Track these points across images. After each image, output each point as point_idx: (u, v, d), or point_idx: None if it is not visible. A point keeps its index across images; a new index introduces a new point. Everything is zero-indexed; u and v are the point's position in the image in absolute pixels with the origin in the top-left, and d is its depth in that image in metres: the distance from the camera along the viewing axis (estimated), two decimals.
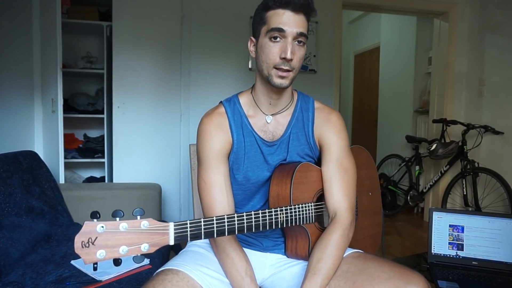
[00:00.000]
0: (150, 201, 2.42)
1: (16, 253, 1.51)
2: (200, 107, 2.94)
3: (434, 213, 1.69)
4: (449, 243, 1.67)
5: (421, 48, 4.14)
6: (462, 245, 1.66)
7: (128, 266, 1.44)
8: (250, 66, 3.09)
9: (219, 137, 1.07)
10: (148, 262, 1.52)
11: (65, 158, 2.60)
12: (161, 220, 1.20)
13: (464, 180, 3.10)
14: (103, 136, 3.12)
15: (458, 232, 1.67)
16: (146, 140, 2.89)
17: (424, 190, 3.49)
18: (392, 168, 4.14)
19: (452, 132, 3.38)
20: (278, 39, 0.97)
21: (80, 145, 3.13)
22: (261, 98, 1.10)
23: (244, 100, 1.14)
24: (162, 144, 2.93)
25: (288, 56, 0.95)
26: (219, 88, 3.04)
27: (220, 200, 1.03)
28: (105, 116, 2.99)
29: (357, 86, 5.76)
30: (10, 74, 2.26)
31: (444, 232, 1.68)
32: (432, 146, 3.14)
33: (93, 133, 3.27)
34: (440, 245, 1.68)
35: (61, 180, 2.40)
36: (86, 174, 3.30)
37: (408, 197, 3.62)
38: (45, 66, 2.57)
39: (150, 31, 2.82)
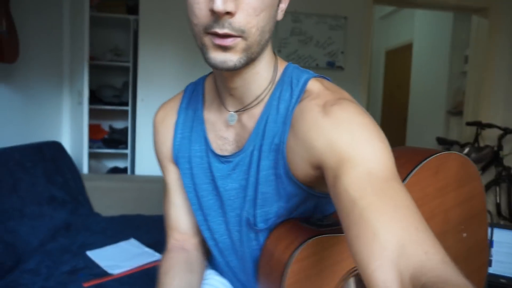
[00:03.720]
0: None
1: (35, 241, 1.56)
2: None
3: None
4: None
5: (457, 46, 3.92)
6: (491, 260, 1.55)
7: (141, 261, 1.45)
8: None
9: (160, 136, 0.76)
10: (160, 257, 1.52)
11: (90, 148, 2.67)
12: None
13: (498, 187, 2.92)
14: (127, 128, 3.18)
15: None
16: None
17: None
18: None
19: (488, 136, 3.19)
20: None
21: (106, 136, 3.20)
22: (219, 85, 0.68)
23: (211, 86, 0.73)
24: None
25: (219, 6, 0.49)
26: None
27: (175, 212, 0.79)
28: (129, 108, 3.03)
29: (388, 83, 5.57)
30: (41, 66, 2.33)
31: None
32: (464, 150, 2.97)
33: (119, 125, 3.34)
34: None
35: (85, 170, 2.46)
36: (111, 164, 3.37)
37: None
38: (74, 59, 2.63)
39: (177, 25, 2.82)
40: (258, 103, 0.65)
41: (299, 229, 0.63)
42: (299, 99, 0.61)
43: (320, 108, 0.57)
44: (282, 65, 0.67)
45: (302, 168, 0.59)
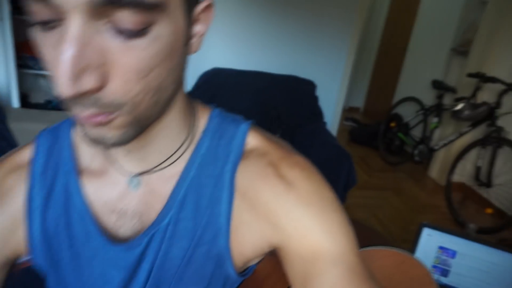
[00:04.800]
0: None
1: None
2: None
3: (424, 229, 1.38)
4: (433, 266, 1.40)
5: None
6: (448, 271, 1.39)
7: None
8: None
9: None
10: None
11: (26, 68, 2.27)
12: None
13: (483, 149, 2.68)
14: None
15: (447, 256, 1.38)
16: None
17: (436, 148, 3.10)
18: (409, 112, 3.67)
19: (488, 89, 2.82)
20: (52, 24, 0.31)
21: None
22: None
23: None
24: None
25: (65, 90, 0.30)
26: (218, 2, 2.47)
27: None
28: None
29: (395, 3, 4.84)
30: None
31: (431, 253, 1.39)
32: (458, 105, 2.64)
33: None
34: None
35: (15, 103, 2.11)
36: None
37: (416, 151, 3.26)
38: None
39: None
40: (175, 160, 0.47)
41: None
42: (240, 157, 0.47)
43: (275, 171, 0.45)
44: (204, 112, 0.50)
45: (252, 247, 0.46)
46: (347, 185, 2.12)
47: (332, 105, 2.90)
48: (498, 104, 2.59)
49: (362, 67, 5.20)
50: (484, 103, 2.60)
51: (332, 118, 2.94)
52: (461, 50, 3.33)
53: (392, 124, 3.77)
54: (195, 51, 0.41)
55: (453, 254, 1.37)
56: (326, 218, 0.44)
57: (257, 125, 0.50)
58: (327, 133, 2.34)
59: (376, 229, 1.47)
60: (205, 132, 0.48)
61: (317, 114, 2.56)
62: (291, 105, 2.49)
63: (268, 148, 0.47)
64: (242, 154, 0.47)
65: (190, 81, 2.58)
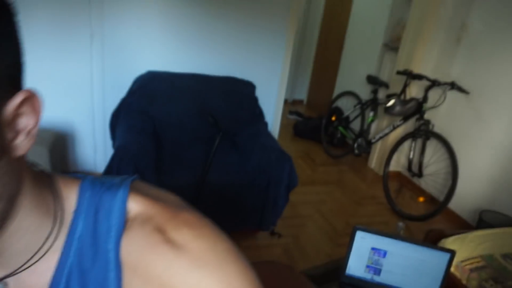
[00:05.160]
0: (57, 145, 2.04)
1: None
2: (119, 24, 2.32)
3: (357, 232, 1.43)
4: (367, 266, 1.46)
5: None
6: (380, 270, 1.46)
7: None
8: None
9: None
10: None
11: None
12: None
13: (414, 141, 2.85)
14: None
15: (379, 256, 1.45)
16: (47, 70, 2.30)
17: (373, 141, 3.25)
18: (348, 105, 3.81)
19: (416, 85, 2.99)
20: None
21: None
22: None
23: None
24: (68, 74, 2.35)
25: None
26: (145, 6, 2.34)
27: None
28: None
29: (329, 2, 4.95)
30: None
31: (364, 254, 1.45)
32: (389, 101, 2.77)
33: None
34: (356, 267, 1.47)
35: None
36: None
37: (356, 144, 3.39)
38: None
39: None
40: (44, 254, 0.41)
41: None
42: (122, 230, 0.42)
43: (162, 237, 0.41)
44: (71, 189, 0.44)
45: None
46: (289, 186, 2.14)
47: (272, 104, 2.91)
48: (425, 99, 2.75)
49: (304, 60, 5.30)
50: (412, 99, 2.76)
51: (273, 117, 2.96)
52: (392, 46, 3.49)
53: (333, 118, 3.89)
54: (28, 148, 0.37)
55: (384, 254, 1.44)
56: (225, 273, 0.42)
57: (142, 175, 0.49)
58: (267, 135, 2.34)
59: (291, 266, 1.49)
60: (76, 212, 0.43)
61: (257, 115, 2.56)
62: (230, 108, 2.46)
63: (152, 210, 0.43)
64: (124, 226, 0.42)
65: (124, 85, 2.45)
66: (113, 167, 1.81)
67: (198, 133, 2.40)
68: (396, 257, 1.43)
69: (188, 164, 2.16)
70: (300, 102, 5.55)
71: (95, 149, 2.60)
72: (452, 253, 1.39)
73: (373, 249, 1.44)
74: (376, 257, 1.44)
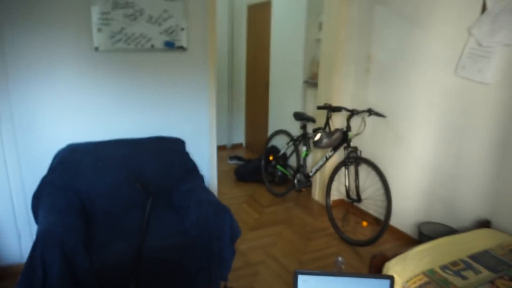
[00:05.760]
0: None
1: None
2: (27, 101, 2.21)
3: (299, 276, 1.42)
4: None
5: (312, 10, 3.73)
6: None
7: None
8: (96, 45, 2.34)
9: None
10: None
11: None
12: None
13: (347, 169, 2.98)
14: None
15: None
16: None
17: (311, 174, 3.34)
18: (283, 143, 3.92)
19: (339, 115, 3.19)
20: None
21: None
22: None
23: None
24: None
25: None
26: (55, 73, 2.27)
27: None
28: None
29: (251, 42, 5.23)
30: None
31: None
32: (316, 136, 2.90)
33: None
34: None
35: None
36: None
37: (295, 180, 3.46)
38: None
39: None
40: None
41: None
42: None
43: None
44: None
45: None
46: (232, 237, 2.09)
47: (206, 155, 2.90)
48: (348, 128, 2.92)
49: (236, 104, 5.43)
50: (336, 130, 2.91)
51: (209, 167, 2.94)
52: (312, 82, 3.72)
53: (271, 157, 3.96)
54: None
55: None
56: None
57: None
58: (203, 189, 2.30)
59: None
60: None
61: (191, 170, 2.52)
62: (161, 167, 2.40)
63: None
64: None
65: (44, 164, 2.30)
66: (36, 256, 1.64)
67: (131, 200, 2.29)
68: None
69: (123, 234, 2.03)
70: (239, 145, 5.61)
71: (19, 237, 2.36)
72: (391, 279, 1.41)
73: None
74: None
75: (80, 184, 2.19)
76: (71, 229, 1.80)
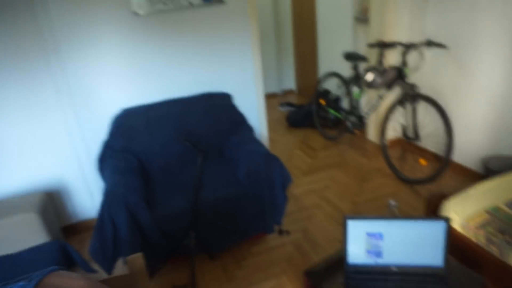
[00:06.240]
0: (47, 206, 2.09)
1: None
2: (81, 72, 2.35)
3: (348, 221, 1.43)
4: (367, 252, 1.46)
5: None
6: (381, 252, 1.45)
7: None
8: (135, 9, 2.36)
9: None
10: None
11: None
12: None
13: (404, 108, 2.81)
14: None
15: (376, 239, 1.44)
16: (23, 134, 2.34)
17: (364, 115, 3.21)
18: (334, 86, 3.77)
19: (393, 52, 2.95)
20: None
21: None
22: None
23: None
24: (45, 133, 2.39)
25: None
26: (101, 43, 2.37)
27: None
28: None
29: None
30: None
31: (361, 241, 1.45)
32: (368, 75, 2.73)
33: None
34: (357, 254, 1.47)
35: None
36: None
37: (349, 123, 3.37)
38: None
39: None
40: None
41: None
42: None
43: None
44: None
45: None
46: (283, 184, 2.14)
47: (254, 107, 2.91)
48: (404, 64, 2.71)
49: (284, 50, 5.26)
50: (390, 67, 2.71)
51: (257, 119, 2.96)
52: (363, 18, 3.44)
53: (322, 101, 3.86)
54: None
55: (380, 236, 1.44)
56: None
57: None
58: (252, 141, 2.34)
59: None
60: None
61: (239, 122, 2.56)
62: (211, 123, 2.47)
63: None
64: None
65: (104, 128, 2.49)
66: (104, 214, 1.83)
67: (185, 157, 2.42)
68: (393, 237, 1.43)
69: (180, 189, 2.18)
70: (290, 91, 5.52)
71: (92, 195, 2.64)
72: (447, 220, 1.37)
73: (368, 234, 1.44)
74: (373, 241, 1.44)
75: (136, 145, 2.35)
76: (132, 188, 1.97)
